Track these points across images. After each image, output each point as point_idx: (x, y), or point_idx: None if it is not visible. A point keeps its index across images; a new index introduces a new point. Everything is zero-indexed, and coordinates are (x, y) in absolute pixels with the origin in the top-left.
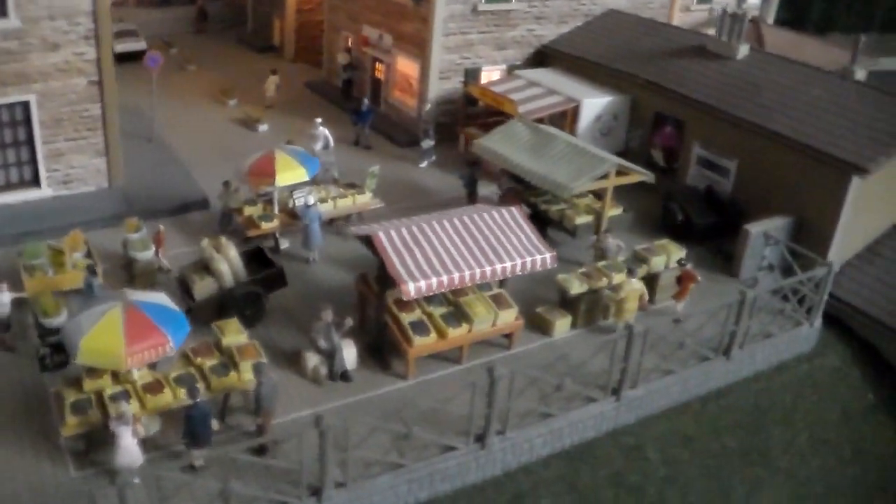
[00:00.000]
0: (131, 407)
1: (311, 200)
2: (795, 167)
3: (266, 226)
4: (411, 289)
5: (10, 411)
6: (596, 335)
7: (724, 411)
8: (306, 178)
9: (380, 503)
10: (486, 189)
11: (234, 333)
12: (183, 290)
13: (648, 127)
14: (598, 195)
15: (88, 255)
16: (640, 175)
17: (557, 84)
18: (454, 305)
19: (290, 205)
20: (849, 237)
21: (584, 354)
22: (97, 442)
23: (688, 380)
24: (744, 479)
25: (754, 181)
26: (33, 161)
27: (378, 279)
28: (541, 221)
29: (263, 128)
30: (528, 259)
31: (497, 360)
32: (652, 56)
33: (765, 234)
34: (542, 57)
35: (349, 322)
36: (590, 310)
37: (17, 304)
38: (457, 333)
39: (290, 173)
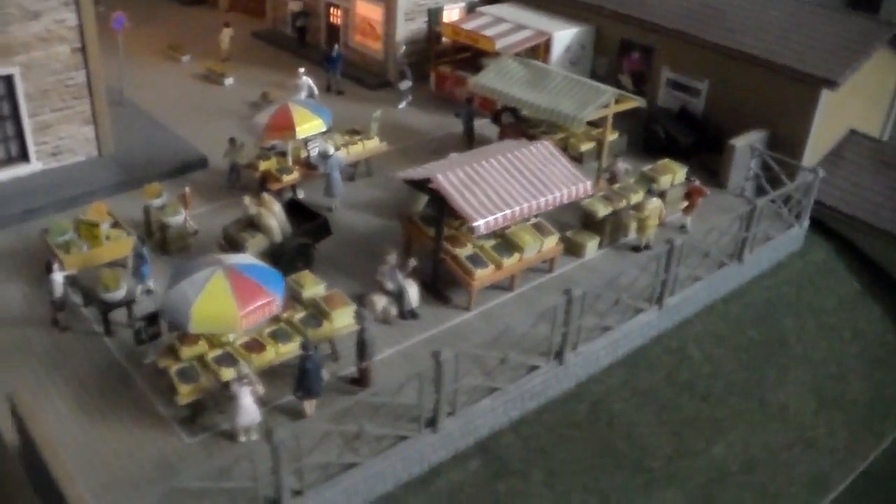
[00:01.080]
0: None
1: (331, 149)
2: (767, 84)
3: (287, 178)
4: (481, 224)
5: (98, 390)
6: (622, 252)
7: (744, 309)
8: (324, 129)
9: (483, 425)
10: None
11: (311, 285)
12: (226, 250)
13: (614, 54)
14: (593, 123)
15: (116, 224)
16: (634, 101)
17: (523, 18)
18: (501, 237)
19: (305, 155)
20: (815, 144)
21: (618, 271)
22: (200, 407)
23: (711, 285)
24: (772, 367)
25: (726, 99)
26: (20, 135)
27: (425, 218)
28: None
29: (229, 81)
30: (573, 188)
31: (543, 282)
32: None
33: (751, 147)
34: None
35: (412, 262)
36: (613, 230)
37: (70, 282)
38: (510, 263)
39: (308, 125)
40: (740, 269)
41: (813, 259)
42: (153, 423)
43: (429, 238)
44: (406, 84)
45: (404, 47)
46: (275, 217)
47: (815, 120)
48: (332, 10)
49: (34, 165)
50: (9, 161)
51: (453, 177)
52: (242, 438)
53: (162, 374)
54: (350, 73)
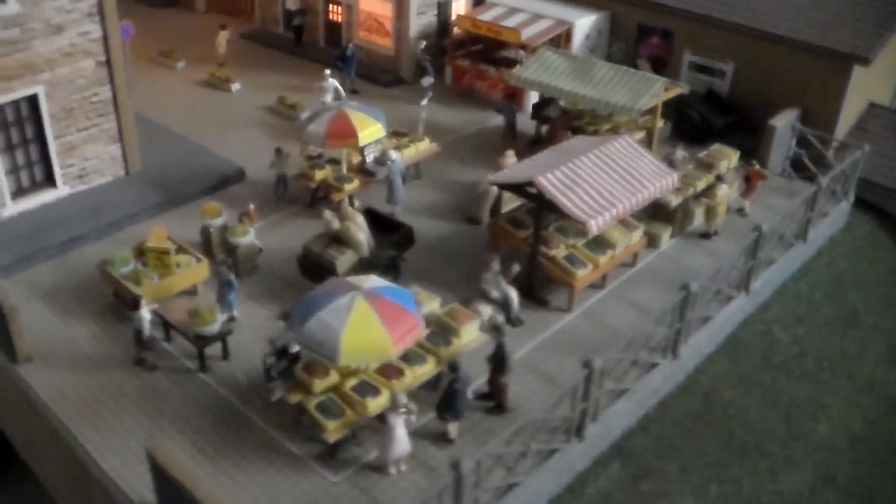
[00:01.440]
0: (383, 396)
1: (394, 155)
2: (794, 63)
3: (349, 187)
4: (593, 225)
5: (212, 431)
6: (691, 240)
7: (812, 287)
8: (383, 133)
9: (617, 427)
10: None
11: (428, 301)
12: (309, 269)
13: (631, 39)
14: None
15: (181, 249)
16: (680, 87)
17: (536, 7)
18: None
19: (358, 161)
20: (843, 120)
21: (700, 260)
22: (339, 442)
23: (782, 266)
24: (850, 340)
25: (753, 80)
26: (45, 158)
27: (512, 221)
28: None
29: (236, 86)
30: (663, 181)
31: (631, 276)
32: None
33: (792, 126)
34: None
35: (516, 268)
36: (683, 218)
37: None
38: (604, 260)
39: (369, 130)
40: (804, 248)
41: (859, 233)
42: (289, 464)
43: (519, 241)
44: (428, 80)
45: (424, 43)
46: (361, 230)
47: (846, 96)
48: (331, 7)
49: (61, 190)
50: (34, 187)
51: (553, 178)
52: (393, 471)
53: (280, 409)
54: (359, 71)
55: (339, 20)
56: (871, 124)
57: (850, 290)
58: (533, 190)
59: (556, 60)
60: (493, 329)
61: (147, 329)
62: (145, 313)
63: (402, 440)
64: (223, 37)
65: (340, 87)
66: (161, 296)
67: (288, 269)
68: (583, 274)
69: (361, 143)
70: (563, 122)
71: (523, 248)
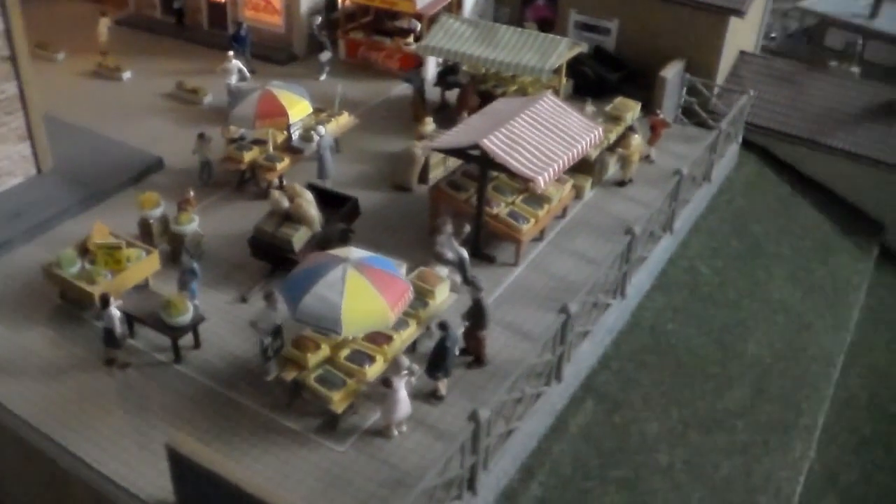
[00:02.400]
0: (378, 362)
1: (322, 130)
2: (675, 17)
3: (281, 165)
4: (541, 181)
5: (205, 420)
6: (610, 189)
7: (720, 223)
8: (311, 110)
9: (585, 367)
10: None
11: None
12: (261, 249)
13: (517, 2)
14: None
15: (129, 244)
16: (580, 46)
17: None
18: (525, 191)
19: (285, 140)
20: (722, 68)
21: (621, 206)
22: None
23: (693, 205)
24: (760, 268)
25: (638, 36)
26: None
27: (452, 184)
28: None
29: (127, 75)
30: (591, 136)
31: (564, 227)
32: None
33: (681, 76)
34: None
35: (467, 228)
36: (600, 169)
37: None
38: (543, 214)
39: (297, 108)
40: (709, 188)
41: (749, 171)
42: (292, 440)
43: (461, 202)
44: (326, 55)
45: (319, 18)
46: (311, 206)
47: (724, 46)
48: None
49: None
50: None
51: (497, 140)
52: (395, 433)
53: (269, 389)
54: (252, 51)
55: (223, 0)
56: (743, 70)
57: (752, 223)
58: (476, 153)
59: (461, 27)
60: (472, 285)
61: (118, 326)
62: (115, 311)
63: (404, 402)
64: (104, 24)
65: (244, 68)
66: (118, 289)
67: (233, 251)
68: (527, 228)
69: (292, 120)
70: (470, 87)
71: (466, 209)
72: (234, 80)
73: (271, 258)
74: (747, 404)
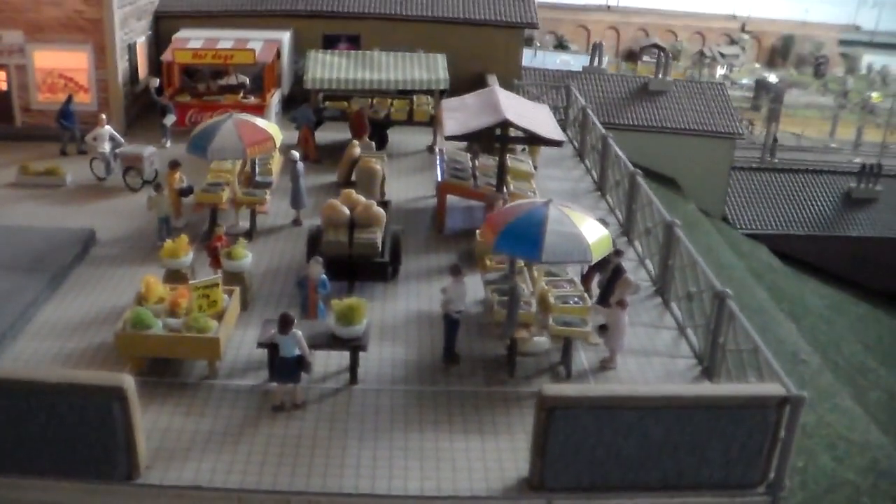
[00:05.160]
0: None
1: (296, 156)
2: (478, 38)
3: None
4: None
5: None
6: None
7: None
8: (281, 135)
9: None
10: None
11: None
12: (341, 266)
13: (318, 49)
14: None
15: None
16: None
17: (227, 34)
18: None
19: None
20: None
21: None
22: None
23: None
24: None
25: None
26: None
27: (454, 177)
28: (381, 126)
29: None
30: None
31: None
32: None
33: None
34: (160, 22)
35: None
36: None
37: None
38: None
39: (274, 131)
40: None
41: None
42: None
43: (468, 189)
44: (171, 119)
45: (158, 80)
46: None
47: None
48: None
49: None
50: None
51: (513, 115)
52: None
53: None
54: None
55: (4, 87)
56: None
57: None
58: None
59: (332, 58)
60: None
61: (307, 351)
62: (299, 331)
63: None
64: None
65: (116, 133)
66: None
67: (274, 284)
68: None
69: (277, 144)
70: (361, 114)
71: (475, 195)
72: (107, 146)
73: (351, 271)
74: None
